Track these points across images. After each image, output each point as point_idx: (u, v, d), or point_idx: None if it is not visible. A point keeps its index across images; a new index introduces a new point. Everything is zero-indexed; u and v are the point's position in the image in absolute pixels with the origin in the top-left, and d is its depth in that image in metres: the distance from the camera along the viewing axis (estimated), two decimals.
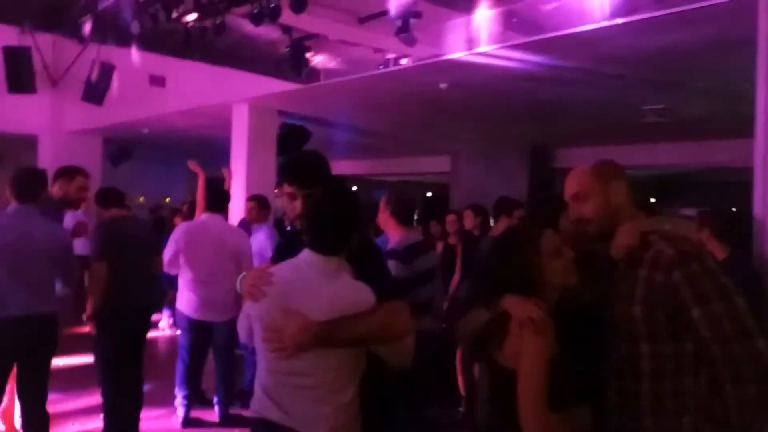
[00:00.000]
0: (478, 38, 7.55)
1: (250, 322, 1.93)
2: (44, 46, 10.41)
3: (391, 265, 2.82)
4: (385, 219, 3.18)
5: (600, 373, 1.71)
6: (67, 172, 3.83)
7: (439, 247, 5.41)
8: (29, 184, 3.21)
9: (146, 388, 3.99)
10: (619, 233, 1.77)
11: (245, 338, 1.99)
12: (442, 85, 6.13)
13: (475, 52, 5.34)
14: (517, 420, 1.56)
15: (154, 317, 4.89)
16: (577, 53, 5.02)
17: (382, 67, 9.39)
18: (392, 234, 3.17)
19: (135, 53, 10.72)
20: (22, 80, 9.95)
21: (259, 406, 1.89)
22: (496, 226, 4.42)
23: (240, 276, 1.99)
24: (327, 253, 1.86)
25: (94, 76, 10.14)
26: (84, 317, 3.69)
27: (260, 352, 1.90)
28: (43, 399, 3.25)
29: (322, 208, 1.88)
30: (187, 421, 4.26)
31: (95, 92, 10.27)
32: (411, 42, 7.42)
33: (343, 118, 8.51)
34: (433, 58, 5.77)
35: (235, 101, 7.62)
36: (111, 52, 10.26)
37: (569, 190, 1.85)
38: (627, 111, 7.10)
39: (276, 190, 6.32)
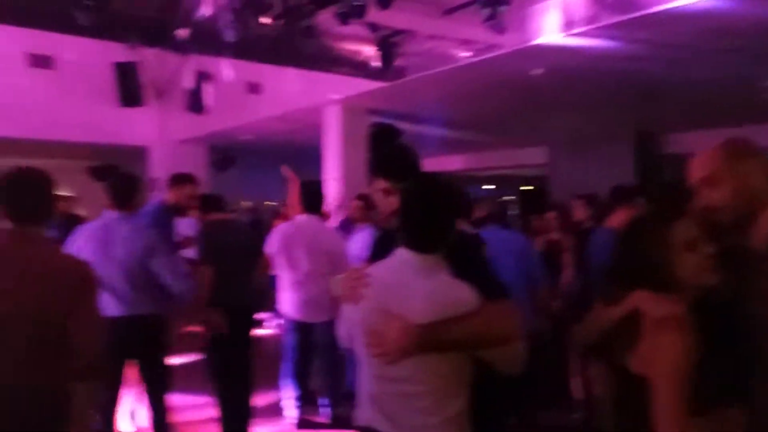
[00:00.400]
0: (569, 21, 7.20)
1: (350, 325, 1.86)
2: (150, 60, 11.03)
3: None
4: None
5: (747, 374, 1.51)
6: (178, 180, 3.96)
7: (539, 243, 5.17)
8: (125, 191, 3.27)
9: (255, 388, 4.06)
10: (761, 220, 1.55)
11: (346, 342, 1.93)
12: (536, 72, 5.86)
13: (570, 33, 5.06)
14: (648, 426, 1.40)
15: (261, 317, 4.98)
16: (683, 28, 4.61)
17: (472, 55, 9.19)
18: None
19: (232, 62, 11.18)
20: (131, 94, 10.64)
21: (365, 414, 1.82)
22: (613, 216, 4.09)
23: (334, 278, 1.93)
24: (424, 250, 1.76)
25: (193, 86, 10.68)
26: (193, 320, 3.83)
27: (363, 358, 1.82)
28: (160, 396, 3.38)
29: (418, 203, 1.79)
30: (300, 423, 4.30)
31: (195, 102, 10.83)
32: (500, 29, 7.19)
33: (434, 112, 8.40)
34: (525, 44, 5.54)
35: (326, 103, 7.71)
36: (211, 63, 10.76)
37: (696, 174, 1.63)
38: (743, 89, 6.49)
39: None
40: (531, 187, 15.09)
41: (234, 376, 3.84)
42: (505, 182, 16.04)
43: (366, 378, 1.82)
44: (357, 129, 7.56)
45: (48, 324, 1.95)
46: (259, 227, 8.35)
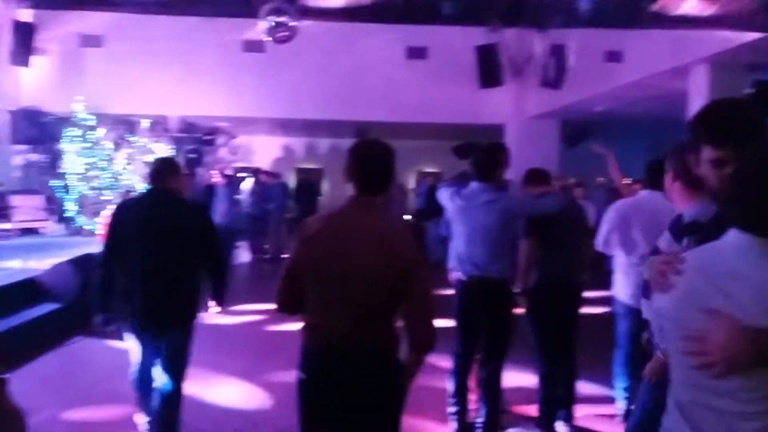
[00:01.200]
0: None
1: (659, 319, 1.56)
2: (509, 40, 11.35)
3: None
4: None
5: None
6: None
7: None
8: (486, 165, 3.56)
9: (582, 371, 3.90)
10: None
11: (658, 338, 1.63)
12: None
13: None
14: None
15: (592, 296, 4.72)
16: None
17: None
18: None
19: (589, 33, 10.72)
20: (491, 75, 11.16)
21: (671, 424, 1.51)
22: None
23: (648, 260, 1.63)
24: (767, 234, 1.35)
25: (549, 61, 10.58)
26: (517, 290, 3.82)
27: (673, 358, 1.51)
28: (498, 363, 3.53)
29: (761, 172, 1.37)
30: (627, 414, 3.96)
31: (551, 77, 10.73)
32: None
33: None
34: None
35: (692, 62, 6.73)
36: (568, 36, 10.52)
37: None
38: None
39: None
40: None
41: (557, 355, 3.72)
42: None
43: (676, 382, 1.50)
44: (730, 90, 6.40)
45: (382, 283, 2.13)
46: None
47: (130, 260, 3.24)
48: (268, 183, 11.79)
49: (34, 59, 10.95)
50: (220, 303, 3.55)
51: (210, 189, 10.85)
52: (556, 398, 3.75)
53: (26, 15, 10.87)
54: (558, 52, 10.62)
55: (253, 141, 16.21)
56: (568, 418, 3.76)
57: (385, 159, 2.22)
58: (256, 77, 11.55)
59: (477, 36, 11.03)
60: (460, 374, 3.64)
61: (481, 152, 3.63)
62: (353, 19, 11.71)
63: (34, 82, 11.26)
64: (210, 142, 13.84)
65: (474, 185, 3.57)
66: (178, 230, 3.26)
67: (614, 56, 11.40)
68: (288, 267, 2.27)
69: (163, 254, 3.21)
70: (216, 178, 10.75)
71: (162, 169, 3.36)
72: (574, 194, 7.94)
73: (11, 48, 10.57)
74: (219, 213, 10.13)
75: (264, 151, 16.24)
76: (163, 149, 11.04)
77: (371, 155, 2.22)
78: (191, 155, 12.82)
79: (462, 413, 3.66)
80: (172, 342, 3.29)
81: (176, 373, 3.31)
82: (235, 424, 4.04)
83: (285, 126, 14.22)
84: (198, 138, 13.31)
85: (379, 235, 2.15)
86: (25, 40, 10.68)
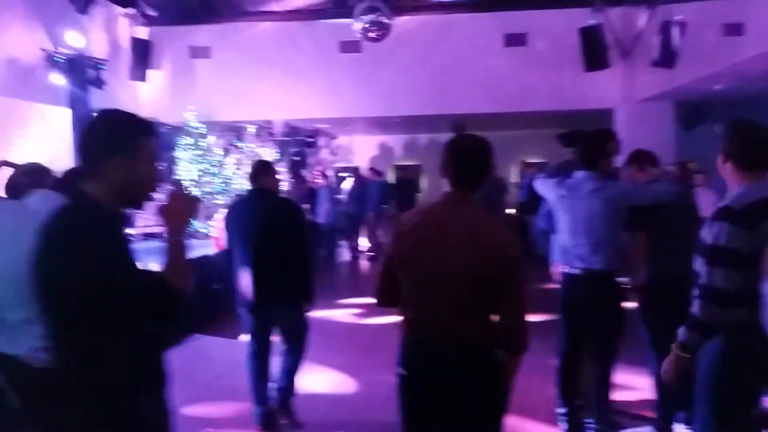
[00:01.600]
0: None
1: None
2: (614, 19, 10.74)
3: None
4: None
5: None
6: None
7: None
8: (590, 154, 3.39)
9: None
10: None
11: None
12: None
13: None
14: None
15: None
16: None
17: None
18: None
19: (704, 5, 9.93)
20: (597, 58, 10.58)
21: None
22: None
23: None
24: None
25: (660, 39, 9.89)
26: (629, 287, 3.59)
27: None
28: (607, 355, 3.36)
29: None
30: None
31: (663, 56, 10.02)
32: None
33: None
34: None
35: None
36: (680, 10, 9.80)
37: None
38: None
39: None
40: None
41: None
42: None
43: None
44: None
45: (475, 278, 2.07)
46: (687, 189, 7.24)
47: (243, 250, 3.69)
48: (368, 180, 11.96)
49: (149, 73, 11.73)
50: (308, 299, 3.81)
51: (312, 191, 11.18)
52: (675, 399, 3.47)
53: (143, 32, 11.66)
54: (669, 28, 9.90)
55: (352, 141, 16.50)
56: (689, 421, 3.47)
57: (481, 154, 2.17)
58: (353, 77, 11.70)
59: (579, 17, 10.49)
60: (567, 373, 3.47)
61: (586, 139, 3.45)
62: (448, 10, 11.57)
63: (151, 95, 12.08)
64: (312, 144, 14.23)
65: (579, 174, 3.40)
66: (272, 223, 3.65)
67: (734, 29, 10.42)
68: (385, 261, 2.30)
69: (264, 244, 3.62)
70: (317, 179, 11.03)
71: (256, 171, 3.82)
72: (692, 180, 7.38)
73: (130, 64, 11.38)
74: (322, 213, 10.40)
75: (363, 150, 16.47)
76: (269, 153, 11.49)
77: (466, 150, 2.18)
78: (295, 158, 13.25)
79: (571, 414, 3.49)
80: (286, 317, 3.76)
81: (296, 343, 3.79)
82: (340, 416, 4.12)
83: (383, 124, 14.33)
84: (301, 141, 13.73)
85: (473, 229, 2.10)
86: (142, 56, 11.45)
